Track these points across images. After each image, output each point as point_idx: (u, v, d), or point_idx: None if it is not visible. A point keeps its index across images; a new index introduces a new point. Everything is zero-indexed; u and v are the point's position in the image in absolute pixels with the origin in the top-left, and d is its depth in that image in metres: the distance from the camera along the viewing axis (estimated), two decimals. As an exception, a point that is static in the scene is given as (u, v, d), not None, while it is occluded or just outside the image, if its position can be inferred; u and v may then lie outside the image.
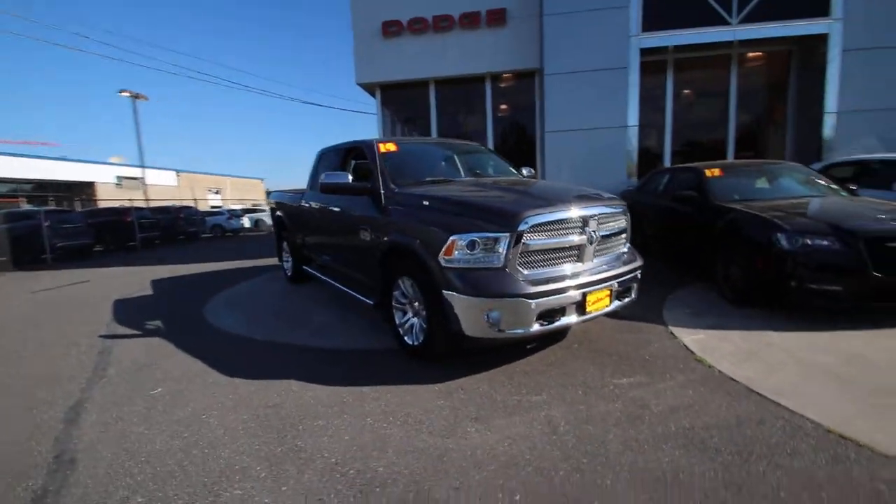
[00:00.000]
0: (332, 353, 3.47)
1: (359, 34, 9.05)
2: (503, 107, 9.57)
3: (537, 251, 2.79)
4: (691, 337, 3.38)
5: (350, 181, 3.72)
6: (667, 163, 8.86)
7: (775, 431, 2.09)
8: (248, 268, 8.19)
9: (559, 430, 2.19)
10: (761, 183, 4.97)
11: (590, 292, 2.86)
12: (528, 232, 2.72)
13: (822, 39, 7.68)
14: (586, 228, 2.94)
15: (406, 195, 3.41)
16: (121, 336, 4.27)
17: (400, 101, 9.80)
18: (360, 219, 3.74)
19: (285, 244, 6.20)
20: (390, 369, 3.06)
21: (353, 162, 4.41)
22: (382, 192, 3.51)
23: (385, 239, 3.34)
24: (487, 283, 2.66)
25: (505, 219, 2.73)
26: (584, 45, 8.06)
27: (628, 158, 8.30)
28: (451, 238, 2.73)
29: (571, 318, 2.84)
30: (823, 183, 4.86)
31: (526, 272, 2.75)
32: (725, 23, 7.82)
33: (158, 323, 4.64)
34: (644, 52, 8.06)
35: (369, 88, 9.76)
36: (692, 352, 3.11)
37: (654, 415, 2.29)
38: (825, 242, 3.50)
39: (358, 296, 3.93)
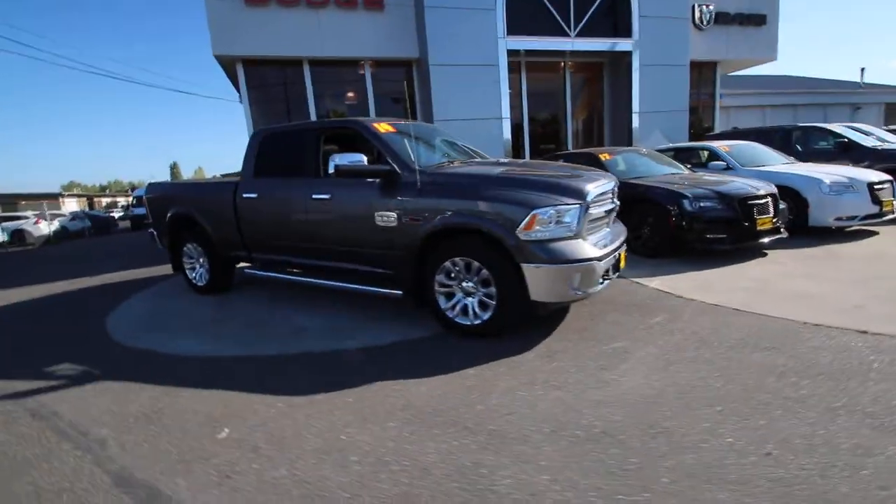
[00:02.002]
0: (386, 350, 3.19)
1: (212, -4, 7.66)
2: (385, 94, 9.48)
3: (592, 220, 3.18)
4: (653, 284, 4.29)
5: (367, 163, 3.40)
6: (527, 151, 10.28)
7: (754, 324, 2.99)
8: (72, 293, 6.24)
9: (670, 361, 2.66)
10: (638, 163, 6.41)
11: (619, 253, 3.41)
12: (592, 202, 3.08)
13: (626, 55, 10.06)
14: (613, 199, 3.47)
15: (446, 175, 3.34)
16: None
17: (268, 80, 8.71)
18: (375, 204, 3.46)
19: (192, 247, 5.03)
20: (459, 351, 3.03)
21: (324, 144, 3.97)
22: (411, 173, 3.33)
23: (428, 222, 3.22)
24: (570, 251, 2.92)
25: (577, 192, 3.02)
26: (462, 40, 8.65)
27: (505, 147, 9.34)
28: (533, 213, 2.88)
29: (612, 277, 3.34)
30: (675, 163, 6.57)
31: (589, 238, 3.12)
32: (566, 35, 9.48)
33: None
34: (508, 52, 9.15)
35: (229, 63, 8.40)
36: (667, 292, 3.99)
37: (700, 333, 2.97)
38: (713, 204, 4.88)
39: (371, 289, 3.63)
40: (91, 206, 42.83)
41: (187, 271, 5.19)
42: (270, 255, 4.40)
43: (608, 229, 3.54)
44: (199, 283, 5.10)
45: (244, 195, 4.31)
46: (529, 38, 9.19)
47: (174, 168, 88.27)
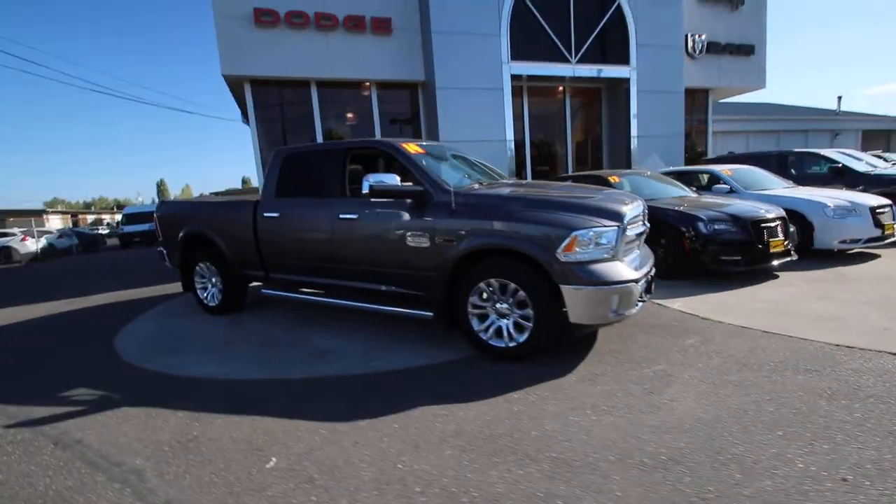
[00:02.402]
0: (418, 373, 3.11)
1: (222, 17, 7.70)
2: (390, 116, 9.57)
3: (627, 242, 3.20)
4: (675, 305, 4.31)
5: (400, 184, 3.39)
6: (528, 172, 10.41)
7: (788, 346, 3.01)
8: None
9: (716, 385, 2.64)
10: (645, 186, 6.52)
11: (651, 275, 3.43)
12: (628, 224, 3.10)
13: (625, 81, 10.35)
14: (644, 221, 3.50)
15: (481, 196, 3.34)
16: None
17: (275, 100, 8.73)
18: (407, 225, 3.43)
19: (204, 267, 4.92)
20: (493, 374, 2.98)
21: (350, 164, 3.96)
22: (444, 194, 3.32)
23: (463, 243, 3.20)
24: (609, 273, 2.92)
25: (615, 214, 3.04)
26: (468, 64, 8.81)
27: (509, 168, 9.44)
28: (574, 234, 2.89)
29: (646, 299, 3.34)
30: (680, 185, 6.70)
31: (625, 260, 3.13)
32: (567, 61, 9.74)
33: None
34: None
35: (236, 83, 8.41)
36: (691, 314, 4.01)
37: (737, 356, 2.96)
38: (728, 227, 4.96)
39: (401, 311, 3.57)
40: (76, 223, 41.94)
41: (198, 291, 5.07)
42: (290, 276, 4.32)
43: (639, 251, 3.56)
44: (211, 304, 4.98)
45: (265, 214, 4.25)
46: (532, 63, 9.41)
47: (161, 186, 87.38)
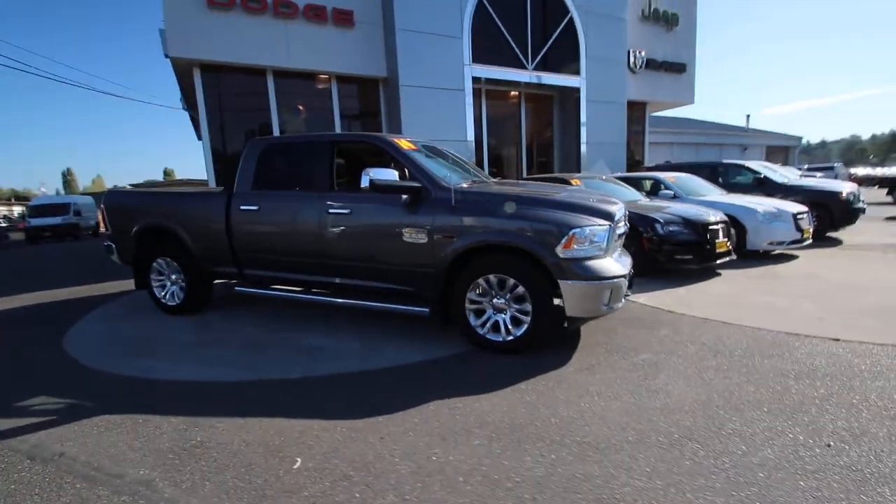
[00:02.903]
0: (418, 369, 3.11)
1: (171, -6, 7.12)
2: (350, 110, 9.34)
3: (615, 240, 3.41)
4: (641, 300, 4.66)
5: (398, 179, 3.36)
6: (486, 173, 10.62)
7: (747, 335, 3.41)
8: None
9: (699, 370, 2.91)
10: (603, 189, 6.94)
11: (631, 272, 3.69)
12: (616, 224, 3.32)
13: (576, 90, 10.92)
14: (625, 222, 3.76)
15: (482, 195, 3.40)
16: None
17: (227, 88, 8.19)
18: (403, 221, 3.42)
19: (163, 263, 4.54)
20: (494, 368, 3.06)
21: (337, 158, 3.87)
22: (444, 191, 3.35)
23: (463, 239, 3.25)
24: (603, 269, 3.11)
25: (607, 214, 3.24)
26: (431, 64, 8.84)
27: (469, 168, 9.58)
28: (572, 232, 3.05)
29: (629, 294, 3.58)
30: (633, 190, 7.20)
31: (613, 257, 3.34)
32: (524, 67, 10.09)
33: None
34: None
35: (184, 67, 7.78)
36: (656, 307, 4.36)
37: (708, 344, 3.29)
38: (681, 228, 5.44)
39: (397, 307, 3.55)
40: (-40, 215, 36.35)
41: (155, 289, 4.66)
42: (268, 272, 4.11)
43: (620, 250, 3.81)
44: (170, 303, 4.60)
45: (242, 207, 4.01)
46: (492, 67, 9.64)
47: (68, 175, 78.42)
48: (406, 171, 3.59)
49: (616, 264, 3.24)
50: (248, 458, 2.10)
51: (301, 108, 9.18)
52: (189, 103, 10.74)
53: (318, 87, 8.90)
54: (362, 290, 3.79)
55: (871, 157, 70.76)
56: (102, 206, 4.81)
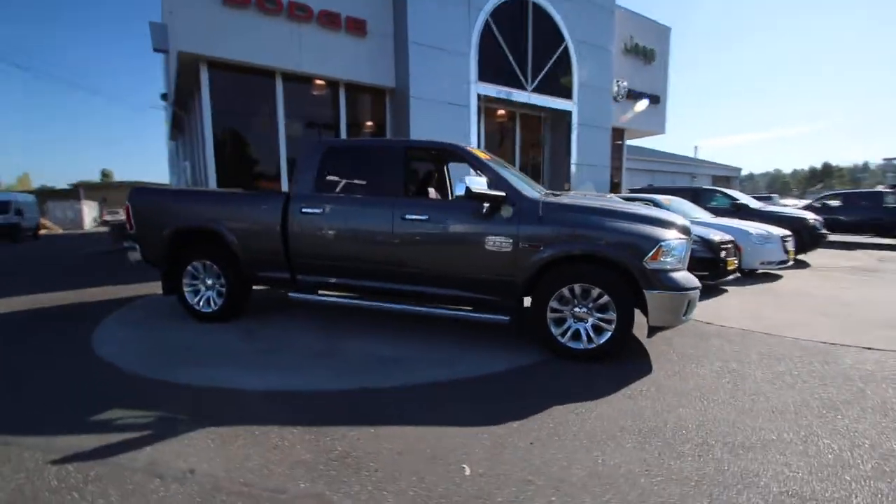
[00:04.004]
0: (510, 377, 3.11)
1: (184, -13, 6.81)
2: (358, 121, 9.24)
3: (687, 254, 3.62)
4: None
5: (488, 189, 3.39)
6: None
7: (794, 344, 3.73)
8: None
9: (776, 374, 3.13)
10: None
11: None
12: (690, 238, 3.53)
13: (567, 113, 11.44)
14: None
15: (570, 207, 3.49)
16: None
17: (231, 87, 7.87)
18: (487, 229, 3.45)
19: (199, 266, 4.26)
20: (581, 375, 3.14)
21: (414, 165, 3.85)
22: (531, 202, 3.43)
23: (551, 249, 3.32)
24: (684, 280, 3.30)
25: (685, 228, 3.45)
26: (440, 78, 8.99)
27: (471, 182, 9.72)
28: (660, 244, 3.21)
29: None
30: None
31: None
32: (524, 88, 10.47)
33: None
34: (473, 95, 9.74)
35: (189, 63, 7.41)
36: (696, 320, 4.62)
37: (764, 352, 3.55)
38: (698, 247, 5.82)
39: (478, 315, 3.55)
40: None
41: (187, 294, 4.35)
42: (326, 278, 3.97)
43: None
44: (205, 309, 4.31)
45: (304, 210, 3.87)
46: (496, 86, 9.93)
47: (-13, 170, 70.63)
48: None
49: (692, 277, 3.43)
50: (411, 467, 2.03)
51: (359, 119, 8.98)
52: (180, 101, 10.16)
53: (326, 93, 8.75)
54: (431, 298, 3.76)
55: (794, 189, 78.60)
56: (128, 203, 4.45)
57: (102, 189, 45.64)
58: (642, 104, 12.84)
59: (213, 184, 7.62)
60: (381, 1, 8.67)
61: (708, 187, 10.78)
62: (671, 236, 3.30)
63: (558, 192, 4.43)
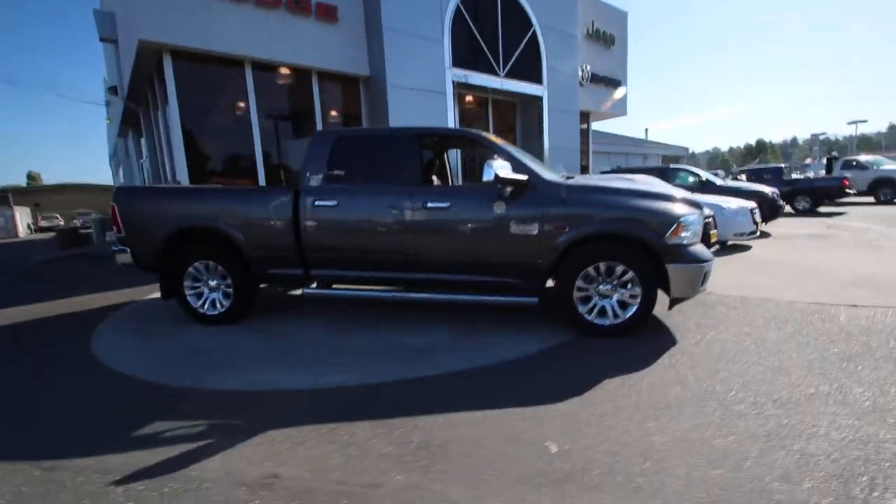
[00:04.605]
0: (546, 356, 3.17)
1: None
2: (335, 111, 8.94)
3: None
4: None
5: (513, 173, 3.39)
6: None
7: (786, 306, 4.04)
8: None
9: (788, 335, 3.37)
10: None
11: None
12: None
13: (537, 98, 11.60)
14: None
15: (592, 188, 3.56)
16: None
17: (199, 78, 7.39)
18: (511, 213, 3.46)
19: (201, 267, 4.02)
20: (614, 350, 3.26)
21: (425, 152, 3.79)
22: (553, 185, 3.48)
23: (576, 229, 3.38)
24: (701, 253, 3.47)
25: (697, 203, 3.61)
26: (416, 65, 8.85)
27: (451, 170, 9.70)
28: (680, 220, 3.35)
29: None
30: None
31: (698, 244, 3.72)
32: (497, 74, 10.50)
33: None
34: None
35: (152, 52, 6.88)
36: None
37: (767, 316, 3.81)
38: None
39: (508, 299, 3.58)
40: None
41: (189, 298, 4.10)
42: (343, 271, 3.87)
43: None
44: (210, 312, 4.10)
45: (317, 203, 3.73)
46: (470, 71, 9.90)
47: None
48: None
49: (706, 249, 3.61)
50: (496, 449, 2.04)
51: (334, 109, 8.59)
52: (136, 95, 9.41)
53: (298, 82, 8.40)
54: (452, 284, 3.75)
55: (733, 166, 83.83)
56: (114, 204, 4.11)
57: (33, 194, 41.95)
58: (621, 91, 13.22)
59: (184, 180, 7.17)
60: (352, -15, 8.38)
61: (675, 166, 11.30)
62: (687, 211, 3.45)
63: (571, 175, 4.51)
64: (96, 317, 4.74)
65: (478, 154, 4.31)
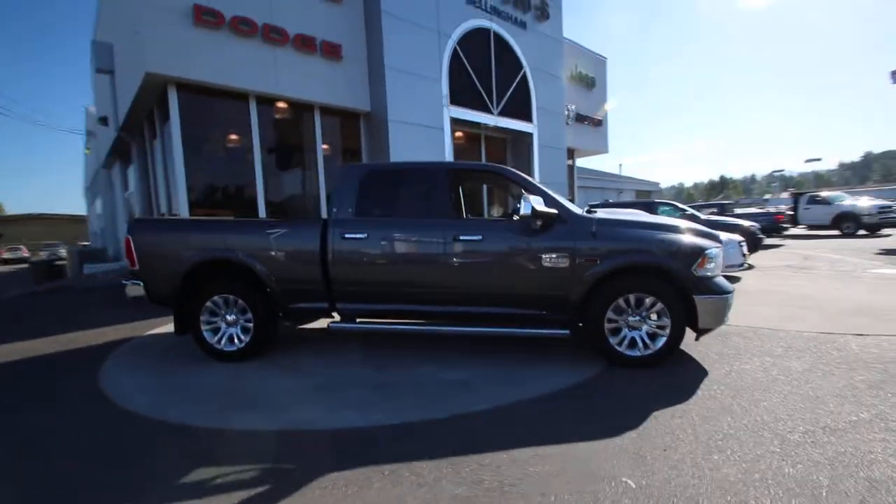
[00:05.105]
0: (586, 390, 3.17)
1: (152, 7, 6.37)
2: (327, 145, 9.02)
3: (714, 261, 3.94)
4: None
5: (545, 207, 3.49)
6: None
7: (796, 336, 4.21)
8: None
9: (812, 364, 3.49)
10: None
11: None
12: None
13: (528, 136, 12.04)
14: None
15: (619, 222, 3.67)
16: None
17: (202, 111, 7.38)
18: (543, 246, 3.54)
19: (220, 301, 3.91)
20: (649, 380, 3.30)
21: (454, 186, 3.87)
22: (583, 219, 3.59)
23: (608, 262, 3.47)
24: (724, 285, 3.60)
25: (717, 238, 3.77)
26: (415, 102, 9.11)
27: (448, 203, 9.84)
28: (705, 253, 3.49)
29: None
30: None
31: (716, 276, 3.86)
32: (490, 112, 10.89)
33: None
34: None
35: (156, 84, 6.87)
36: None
37: (784, 346, 3.95)
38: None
39: (539, 331, 3.60)
40: None
41: (205, 333, 3.95)
42: (371, 305, 3.82)
43: None
44: (227, 348, 3.95)
45: (347, 236, 3.72)
46: (465, 109, 10.23)
47: None
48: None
49: (727, 281, 3.75)
50: (575, 487, 2.01)
51: (332, 143, 8.62)
52: (131, 126, 9.26)
53: (300, 116, 8.50)
54: (481, 317, 3.75)
55: (698, 199, 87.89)
56: (129, 237, 3.99)
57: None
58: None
59: (184, 212, 7.03)
60: (355, 26, 8.67)
61: (660, 201, 11.79)
62: (711, 244, 3.61)
63: (592, 209, 4.66)
64: (97, 354, 4.49)
65: (502, 189, 4.40)
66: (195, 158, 7.29)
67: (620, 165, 37.10)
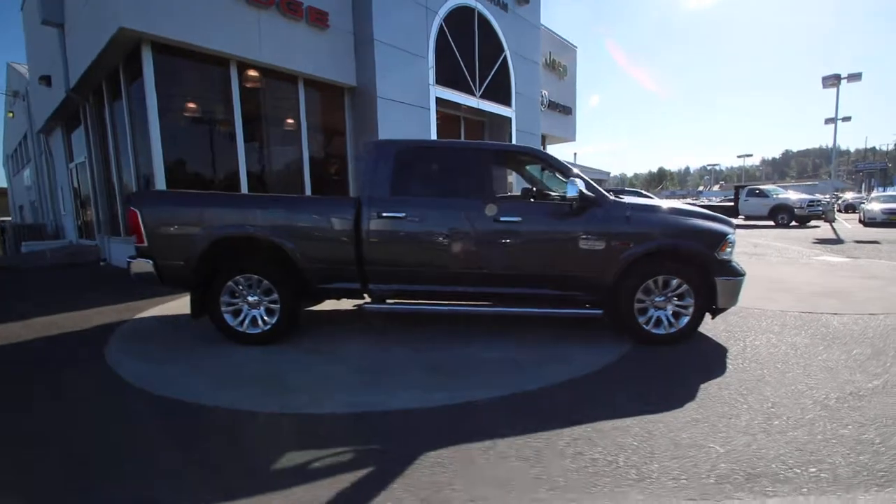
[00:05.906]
0: (626, 366, 3.34)
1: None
2: (317, 118, 8.59)
3: (726, 245, 4.22)
4: (672, 297, 5.66)
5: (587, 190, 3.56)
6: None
7: (803, 316, 4.66)
8: None
9: (807, 338, 3.88)
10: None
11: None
12: (730, 232, 4.15)
13: (507, 120, 12.11)
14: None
15: (648, 207, 3.82)
16: None
17: (178, 75, 6.75)
18: (580, 229, 3.64)
19: (243, 281, 3.68)
20: (672, 357, 3.54)
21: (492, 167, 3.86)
22: (617, 204, 3.72)
23: (641, 245, 3.63)
24: (740, 267, 3.89)
25: (731, 223, 4.03)
26: (403, 79, 8.86)
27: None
28: (727, 237, 3.75)
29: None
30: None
31: (726, 260, 4.15)
32: (473, 94, 10.83)
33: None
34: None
35: (128, 42, 6.18)
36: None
37: (789, 325, 4.36)
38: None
39: (574, 311, 3.71)
40: None
41: (225, 315, 3.72)
42: (406, 286, 3.76)
43: None
44: (251, 331, 3.75)
45: (384, 214, 3.61)
46: (450, 90, 10.10)
47: None
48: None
49: (739, 264, 4.06)
50: (666, 453, 2.14)
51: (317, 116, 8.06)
52: (87, 87, 8.23)
53: (283, 86, 8.00)
54: (516, 298, 3.82)
55: (642, 189, 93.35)
56: (136, 210, 3.63)
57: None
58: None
59: (161, 182, 6.46)
60: (342, -5, 8.24)
61: (628, 188, 12.39)
62: (730, 230, 3.87)
63: (620, 195, 4.81)
64: (95, 339, 4.09)
65: (523, 171, 4.39)
66: (170, 127, 6.68)
67: (575, 154, 38.34)
